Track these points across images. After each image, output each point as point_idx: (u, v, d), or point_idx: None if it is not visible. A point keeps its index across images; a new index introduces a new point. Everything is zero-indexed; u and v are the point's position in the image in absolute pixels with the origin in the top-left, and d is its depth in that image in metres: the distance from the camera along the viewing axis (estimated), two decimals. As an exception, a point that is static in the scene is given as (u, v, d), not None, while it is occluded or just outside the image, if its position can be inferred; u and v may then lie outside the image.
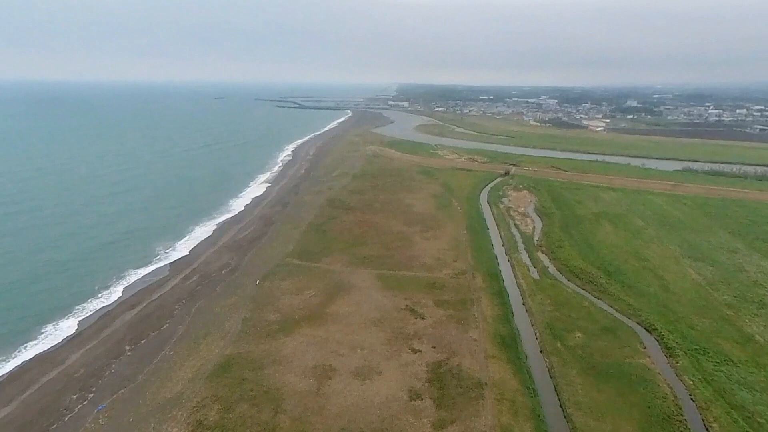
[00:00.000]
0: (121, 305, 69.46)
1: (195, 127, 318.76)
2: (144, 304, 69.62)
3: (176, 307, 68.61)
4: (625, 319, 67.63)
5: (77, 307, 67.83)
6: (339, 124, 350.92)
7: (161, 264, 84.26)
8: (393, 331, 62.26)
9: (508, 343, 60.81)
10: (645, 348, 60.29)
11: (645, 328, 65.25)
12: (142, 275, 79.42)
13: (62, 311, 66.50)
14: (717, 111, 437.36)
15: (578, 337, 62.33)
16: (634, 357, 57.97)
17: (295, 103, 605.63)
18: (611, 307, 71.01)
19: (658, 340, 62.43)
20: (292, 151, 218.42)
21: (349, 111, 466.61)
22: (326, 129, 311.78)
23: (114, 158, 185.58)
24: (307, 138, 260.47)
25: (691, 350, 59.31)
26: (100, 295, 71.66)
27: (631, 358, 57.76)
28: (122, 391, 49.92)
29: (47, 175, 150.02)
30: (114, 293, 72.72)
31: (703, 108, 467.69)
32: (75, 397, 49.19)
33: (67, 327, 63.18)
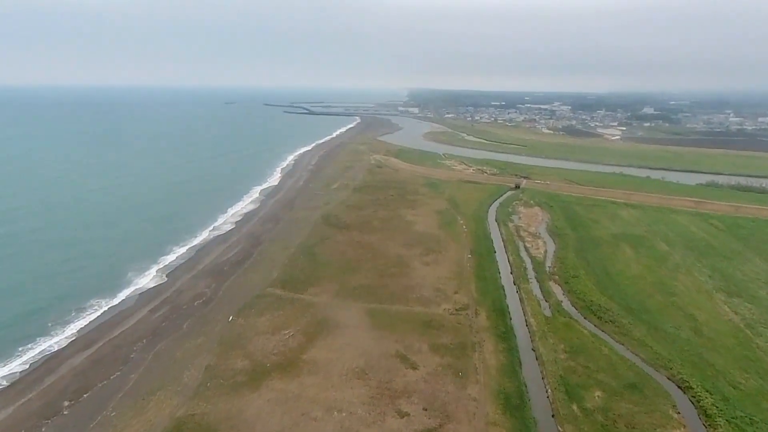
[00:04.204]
0: (74, 345, 61.35)
1: (199, 135, 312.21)
2: (99, 345, 61.43)
3: (134, 348, 60.28)
4: (652, 372, 57.69)
5: (22, 348, 59.69)
6: (346, 130, 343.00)
7: (130, 293, 76.07)
8: (378, 386, 53.11)
9: (514, 404, 51.32)
10: (679, 413, 50.33)
11: (677, 385, 55.25)
12: (105, 307, 71.19)
13: (3, 355, 58.27)
14: (738, 119, 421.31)
15: (598, 396, 52.57)
16: (667, 426, 48.07)
17: (304, 108, 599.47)
18: (636, 355, 61.05)
19: (693, 402, 52.39)
20: (294, 160, 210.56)
21: (357, 117, 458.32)
22: (332, 136, 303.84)
23: (109, 169, 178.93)
24: (311, 146, 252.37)
25: (736, 419, 49.19)
26: (53, 333, 63.50)
27: (662, 427, 47.87)
28: (43, 468, 41.52)
29: (36, 190, 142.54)
30: (69, 330, 64.53)
31: (723, 115, 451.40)
32: (-13, 474, 40.91)
33: (4, 375, 55.02)
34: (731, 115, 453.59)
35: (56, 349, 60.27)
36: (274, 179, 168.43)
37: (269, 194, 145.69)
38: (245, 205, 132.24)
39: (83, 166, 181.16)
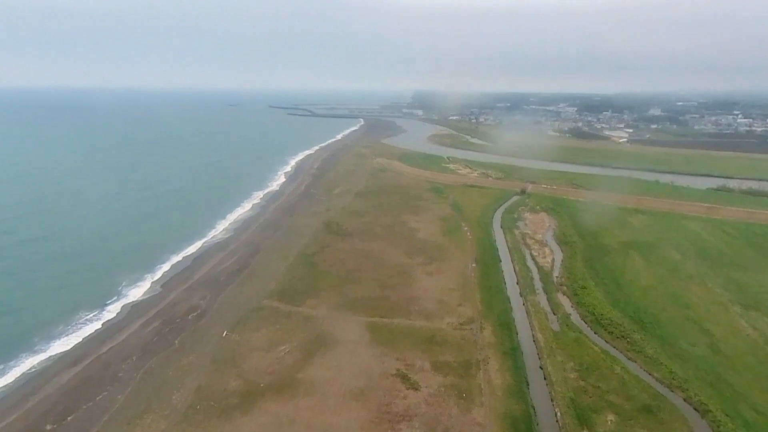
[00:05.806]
0: (61, 362, 58.87)
1: (201, 138, 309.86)
2: (88, 361, 58.95)
3: (123, 366, 57.73)
4: (668, 393, 54.54)
5: (3, 366, 56.75)
6: (350, 133, 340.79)
7: (122, 306, 73.53)
8: (378, 409, 50.33)
9: (521, 430, 48.38)
10: (698, 440, 47.26)
11: (695, 408, 52.06)
12: (96, 321, 68.60)
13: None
14: (747, 120, 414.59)
15: (610, 421, 49.51)
16: (685, 455, 44.99)
17: (308, 111, 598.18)
18: (650, 374, 57.89)
19: (712, 427, 49.22)
20: (296, 163, 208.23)
21: (361, 119, 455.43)
22: (335, 139, 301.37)
23: (108, 174, 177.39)
24: (314, 149, 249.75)
25: (760, 447, 46.10)
26: (39, 350, 61.00)
27: (680, 457, 44.80)
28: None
29: (33, 196, 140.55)
30: (56, 347, 61.89)
31: (731, 117, 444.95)
32: None
33: (-15, 395, 52.61)
34: (740, 116, 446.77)
35: (40, 367, 57.76)
36: (276, 184, 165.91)
37: (270, 199, 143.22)
38: (245, 211, 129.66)
39: (81, 171, 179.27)
